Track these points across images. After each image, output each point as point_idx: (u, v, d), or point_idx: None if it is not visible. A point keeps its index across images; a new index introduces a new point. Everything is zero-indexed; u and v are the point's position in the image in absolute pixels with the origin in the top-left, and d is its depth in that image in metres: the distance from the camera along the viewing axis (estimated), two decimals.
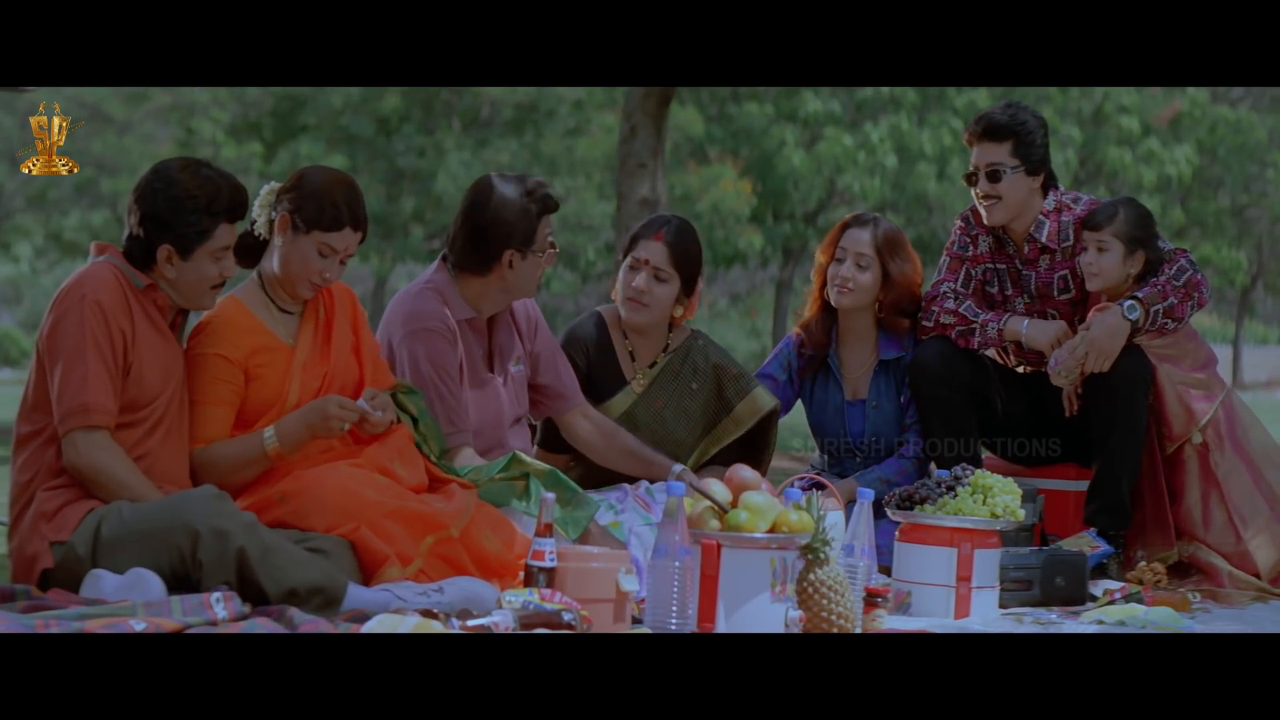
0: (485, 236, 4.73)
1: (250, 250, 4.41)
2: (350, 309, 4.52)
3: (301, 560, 3.91)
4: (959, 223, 5.56)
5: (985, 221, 5.42)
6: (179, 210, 4.09)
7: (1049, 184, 5.44)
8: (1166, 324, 5.17)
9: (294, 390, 4.34)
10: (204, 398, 4.28)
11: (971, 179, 5.41)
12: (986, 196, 5.37)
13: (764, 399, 5.26)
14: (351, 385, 4.43)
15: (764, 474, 5.15)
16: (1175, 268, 5.23)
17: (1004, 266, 5.49)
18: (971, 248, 5.50)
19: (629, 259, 5.14)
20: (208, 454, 4.26)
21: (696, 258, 5.15)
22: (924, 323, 5.42)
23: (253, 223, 4.38)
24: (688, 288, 5.15)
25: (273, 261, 4.37)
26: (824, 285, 5.48)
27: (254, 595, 3.83)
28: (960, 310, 5.37)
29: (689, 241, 5.14)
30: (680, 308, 5.18)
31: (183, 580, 3.86)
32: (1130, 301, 5.15)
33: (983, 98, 22.28)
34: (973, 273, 5.49)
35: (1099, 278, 5.25)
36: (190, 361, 4.30)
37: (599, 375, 5.21)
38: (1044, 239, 5.38)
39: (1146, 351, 5.19)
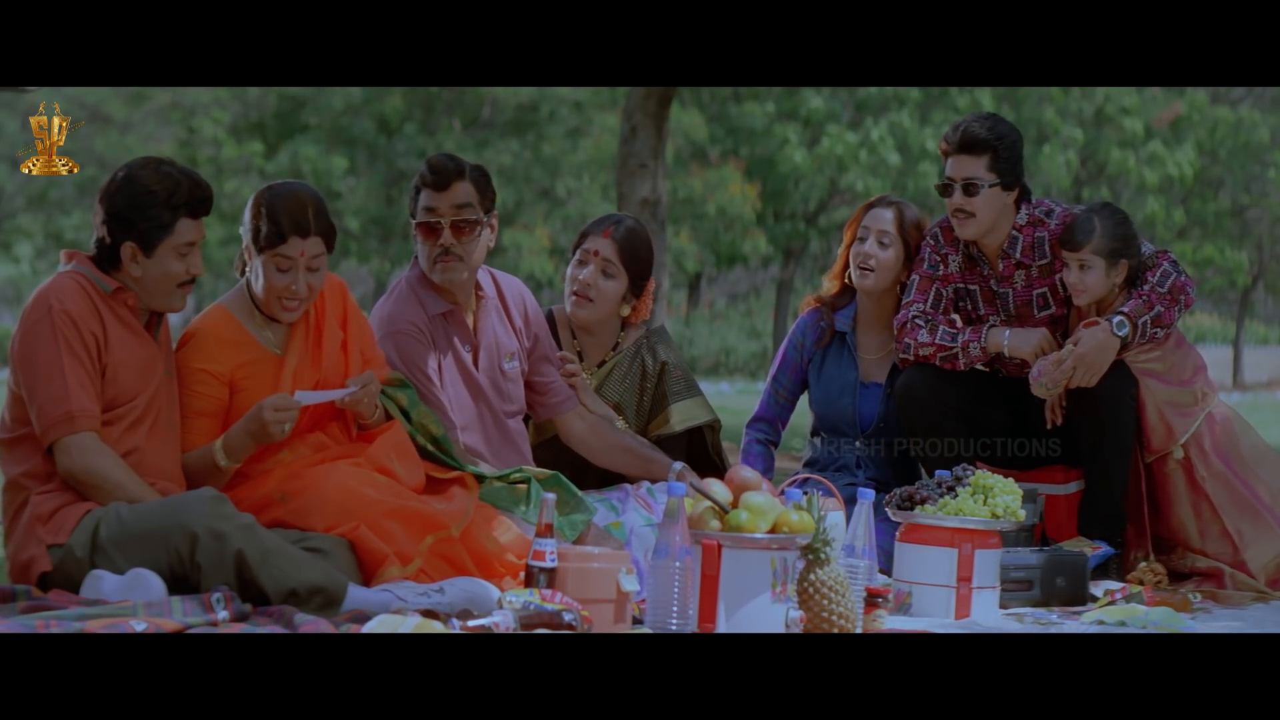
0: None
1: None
2: (340, 304, 4.50)
3: (301, 561, 3.91)
4: (929, 240, 5.41)
5: (958, 235, 5.30)
6: (139, 206, 4.07)
7: (1022, 198, 5.33)
8: (1156, 333, 5.14)
9: None
10: (184, 410, 4.30)
11: (946, 190, 5.27)
12: (960, 210, 5.24)
13: (701, 409, 5.21)
14: (340, 385, 4.42)
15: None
16: (1158, 274, 5.17)
17: (976, 286, 5.39)
18: (942, 266, 5.38)
19: (578, 253, 5.11)
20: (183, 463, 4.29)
21: (646, 259, 5.12)
22: (901, 355, 5.34)
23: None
24: (636, 287, 5.12)
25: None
26: (846, 265, 5.49)
27: (254, 596, 3.83)
28: (937, 340, 5.27)
29: (639, 242, 5.11)
30: (628, 307, 5.14)
31: (182, 582, 3.86)
32: (1119, 318, 5.08)
33: (985, 97, 22.27)
34: (943, 292, 5.38)
35: (1086, 294, 5.20)
36: (177, 370, 4.30)
37: None
38: (1018, 255, 5.30)
39: (1132, 366, 5.16)
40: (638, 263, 5.09)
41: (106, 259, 4.14)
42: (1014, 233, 5.30)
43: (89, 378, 4.04)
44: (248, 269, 4.38)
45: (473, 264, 4.76)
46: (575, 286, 5.09)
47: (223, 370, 4.31)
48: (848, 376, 5.49)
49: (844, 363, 5.51)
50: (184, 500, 3.95)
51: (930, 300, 5.36)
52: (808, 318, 5.60)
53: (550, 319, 5.21)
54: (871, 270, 5.39)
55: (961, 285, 5.40)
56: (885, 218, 5.42)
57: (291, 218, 4.26)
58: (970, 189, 5.22)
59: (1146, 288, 5.16)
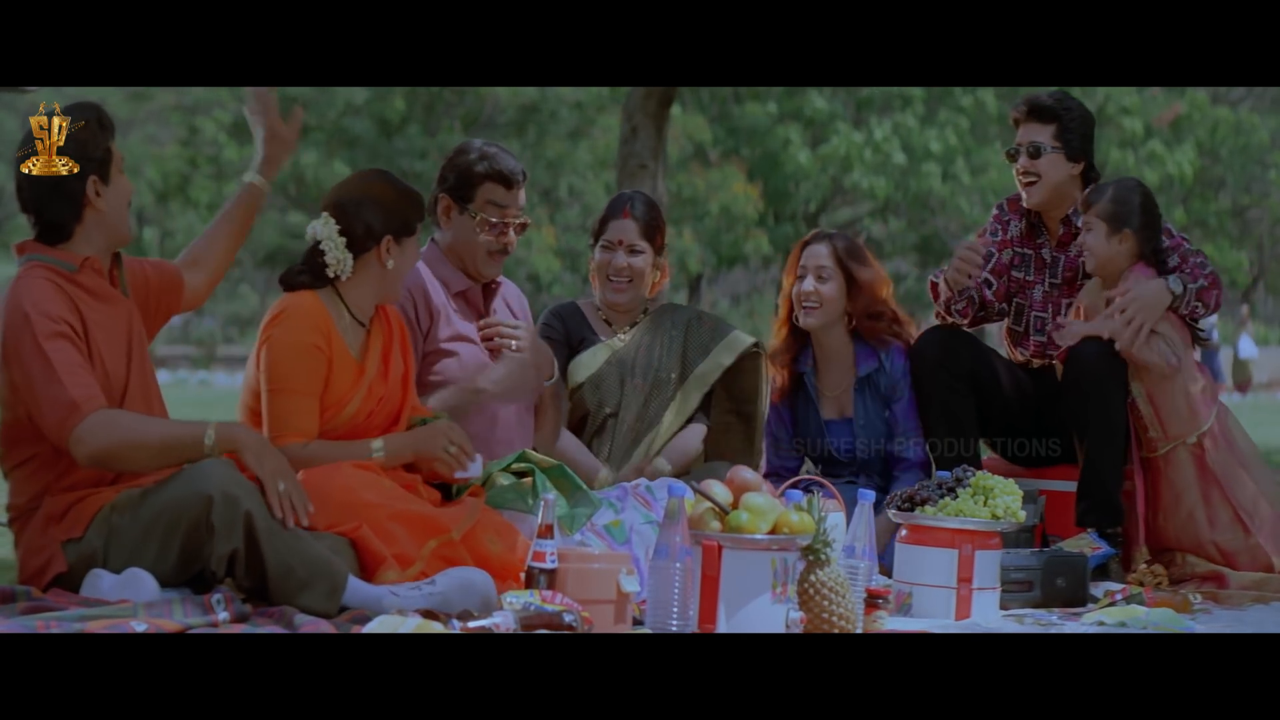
0: (437, 184, 4.97)
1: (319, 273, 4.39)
2: (403, 335, 4.54)
3: (305, 540, 3.91)
4: (995, 209, 5.68)
5: (1025, 203, 5.50)
6: (84, 141, 4.04)
7: (1090, 177, 5.49)
8: (1197, 307, 5.19)
9: (354, 404, 4.33)
10: (300, 387, 4.23)
11: (1013, 156, 5.52)
12: (1026, 173, 5.47)
13: (741, 338, 5.36)
14: (394, 411, 4.44)
15: (760, 423, 5.40)
16: (1199, 259, 5.27)
17: (1030, 252, 5.56)
18: (1001, 232, 5.59)
19: (602, 241, 5.30)
20: (308, 451, 4.22)
21: (662, 223, 5.35)
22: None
23: (320, 254, 4.35)
24: (659, 250, 5.33)
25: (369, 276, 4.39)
26: (792, 309, 5.45)
27: (256, 569, 3.83)
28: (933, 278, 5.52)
29: (654, 211, 5.34)
30: (657, 272, 5.34)
31: (193, 556, 3.84)
32: (1171, 276, 5.18)
33: (990, 97, 22.29)
34: (993, 253, 5.55)
35: (1092, 257, 5.28)
36: (282, 347, 4.26)
37: (576, 339, 5.34)
38: (1079, 222, 5.39)
39: (1174, 334, 5.18)
40: (656, 230, 5.32)
41: (59, 227, 4.07)
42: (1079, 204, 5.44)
43: (81, 363, 3.97)
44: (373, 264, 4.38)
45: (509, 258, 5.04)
46: (610, 273, 5.28)
47: (326, 349, 4.29)
48: (814, 419, 5.47)
49: (809, 406, 5.48)
50: (197, 468, 3.93)
51: (980, 258, 5.51)
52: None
53: (575, 310, 5.40)
54: (816, 307, 5.37)
55: (1020, 250, 5.59)
56: (821, 253, 5.39)
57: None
58: (1034, 151, 5.46)
59: (1190, 264, 5.24)
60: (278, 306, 4.36)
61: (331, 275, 4.35)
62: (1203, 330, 5.36)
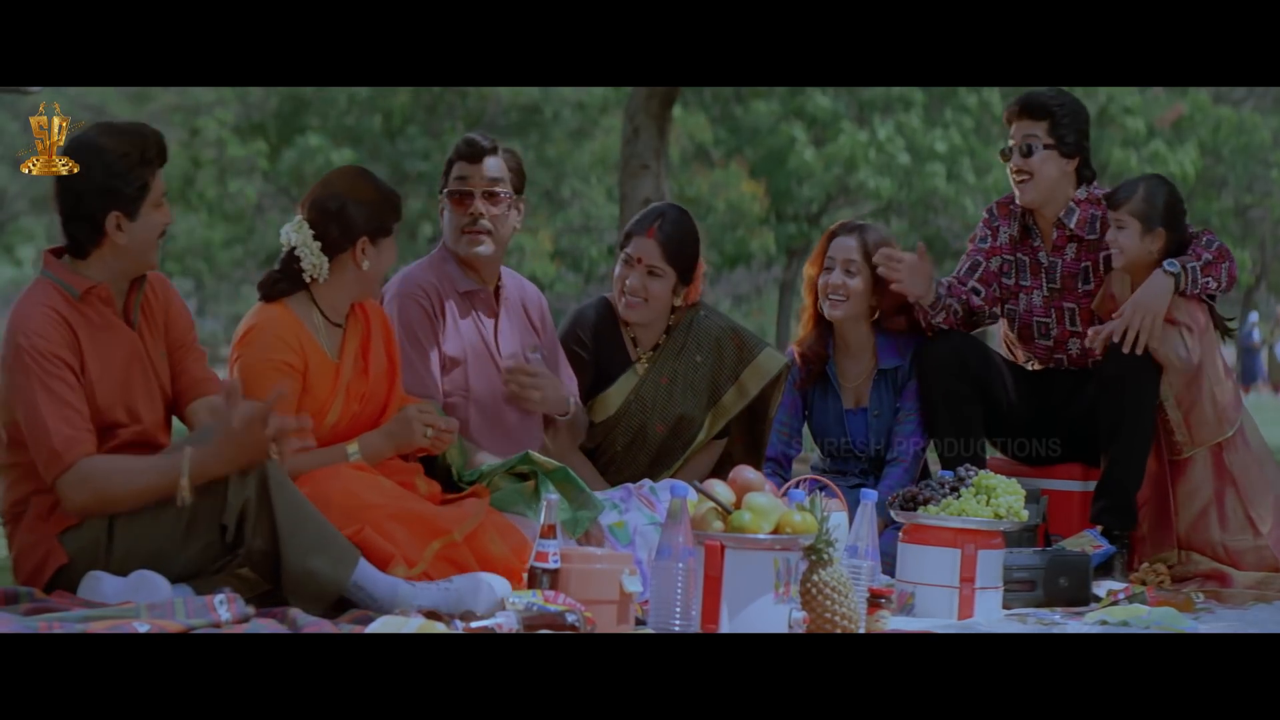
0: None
1: (296, 279, 4.35)
2: (384, 330, 4.51)
3: (316, 511, 3.90)
4: (984, 214, 5.56)
5: (1018, 200, 5.39)
6: (117, 173, 3.95)
7: (1085, 175, 5.41)
8: (1208, 282, 5.16)
9: (336, 408, 4.32)
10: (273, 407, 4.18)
11: (1006, 155, 5.39)
12: (1019, 172, 5.35)
13: (771, 362, 5.25)
14: (380, 407, 4.43)
15: (766, 433, 5.29)
16: (1204, 239, 5.25)
17: (1026, 257, 5.46)
18: (991, 239, 5.49)
19: (623, 254, 5.12)
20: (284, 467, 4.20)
21: (692, 248, 5.12)
22: (929, 319, 5.38)
23: (295, 259, 4.31)
24: (685, 277, 5.12)
25: (345, 278, 4.35)
26: (817, 299, 5.42)
27: (266, 524, 3.82)
28: (930, 305, 5.34)
29: (684, 233, 5.10)
30: (679, 298, 5.16)
31: (206, 512, 3.83)
32: (1167, 260, 5.14)
33: (996, 97, 22.26)
34: (980, 262, 5.46)
35: (1121, 255, 5.24)
36: (253, 368, 4.22)
37: (604, 359, 5.21)
38: (1073, 225, 5.36)
39: (1204, 336, 5.15)
40: (684, 256, 5.10)
41: (84, 241, 4.01)
42: (1071, 204, 5.38)
43: (71, 402, 3.90)
44: (352, 266, 4.34)
45: (500, 238, 4.81)
46: (624, 288, 5.10)
47: (298, 363, 4.26)
48: (834, 408, 5.45)
49: (829, 395, 5.46)
50: (203, 430, 3.91)
51: (966, 268, 5.46)
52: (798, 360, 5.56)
53: (605, 305, 5.25)
54: (842, 300, 5.33)
55: (1011, 257, 5.48)
56: (850, 245, 5.33)
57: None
58: (1026, 150, 5.34)
59: (1193, 247, 5.22)
60: (246, 324, 4.34)
61: (308, 279, 4.33)
62: (1231, 320, 5.33)
